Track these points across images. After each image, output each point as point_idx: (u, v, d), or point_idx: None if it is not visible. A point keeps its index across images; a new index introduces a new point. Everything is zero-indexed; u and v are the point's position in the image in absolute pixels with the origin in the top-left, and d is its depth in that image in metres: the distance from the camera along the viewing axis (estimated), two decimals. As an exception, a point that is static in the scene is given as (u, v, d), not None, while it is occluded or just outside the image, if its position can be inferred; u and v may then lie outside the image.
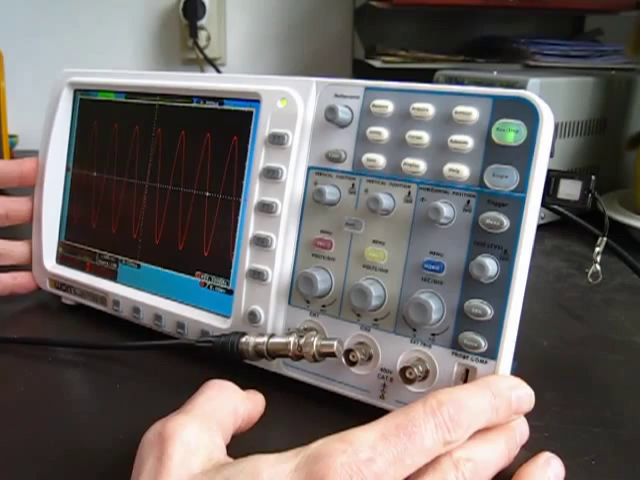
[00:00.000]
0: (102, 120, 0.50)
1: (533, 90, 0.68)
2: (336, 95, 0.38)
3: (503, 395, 0.30)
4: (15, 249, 0.52)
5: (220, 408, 0.30)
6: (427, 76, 0.79)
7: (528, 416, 0.32)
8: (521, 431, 0.31)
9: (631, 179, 0.76)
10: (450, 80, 0.78)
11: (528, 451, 0.31)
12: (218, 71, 1.17)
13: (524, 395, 0.31)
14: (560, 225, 0.67)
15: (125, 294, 0.46)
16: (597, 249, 0.38)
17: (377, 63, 1.05)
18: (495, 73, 0.75)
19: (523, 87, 0.68)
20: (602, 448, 0.34)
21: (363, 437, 0.26)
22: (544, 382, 0.40)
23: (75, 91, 0.51)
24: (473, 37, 1.19)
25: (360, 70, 1.15)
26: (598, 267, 0.39)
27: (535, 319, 0.49)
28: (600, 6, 1.10)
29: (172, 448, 0.26)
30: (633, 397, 0.40)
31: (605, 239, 0.38)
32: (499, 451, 0.30)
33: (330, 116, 0.37)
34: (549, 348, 0.46)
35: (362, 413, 0.35)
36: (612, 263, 0.41)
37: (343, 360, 0.35)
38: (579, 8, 1.14)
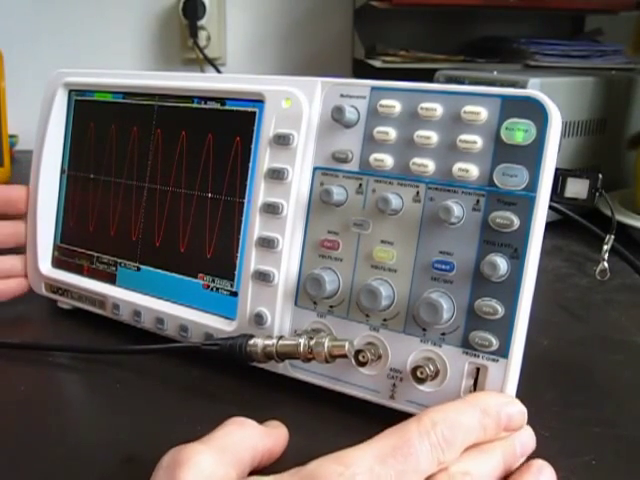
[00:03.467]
0: (99, 121, 0.49)
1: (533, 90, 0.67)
2: (342, 95, 0.38)
3: (492, 413, 0.30)
4: (5, 261, 0.50)
5: (238, 443, 0.30)
6: (427, 76, 0.78)
7: (528, 416, 0.32)
8: (522, 442, 0.31)
9: (631, 179, 0.76)
10: (450, 80, 0.78)
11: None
12: (218, 71, 1.17)
13: (515, 413, 0.31)
14: (560, 225, 0.67)
15: (125, 297, 0.46)
16: (605, 247, 0.38)
17: (377, 63, 1.05)
18: (495, 73, 0.75)
19: (523, 87, 0.68)
20: (602, 448, 0.34)
21: (359, 458, 0.26)
22: (544, 382, 0.40)
23: (70, 92, 0.50)
24: (473, 37, 1.19)
25: (360, 70, 1.15)
26: (606, 265, 0.39)
27: (535, 319, 0.49)
28: (600, 6, 1.10)
29: (184, 473, 0.26)
30: (633, 397, 0.40)
31: (613, 237, 0.38)
32: (495, 462, 0.30)
33: (337, 116, 0.37)
34: (549, 348, 0.46)
35: (371, 414, 0.35)
36: (612, 263, 0.41)
37: (353, 361, 0.35)
38: (579, 8, 1.14)
